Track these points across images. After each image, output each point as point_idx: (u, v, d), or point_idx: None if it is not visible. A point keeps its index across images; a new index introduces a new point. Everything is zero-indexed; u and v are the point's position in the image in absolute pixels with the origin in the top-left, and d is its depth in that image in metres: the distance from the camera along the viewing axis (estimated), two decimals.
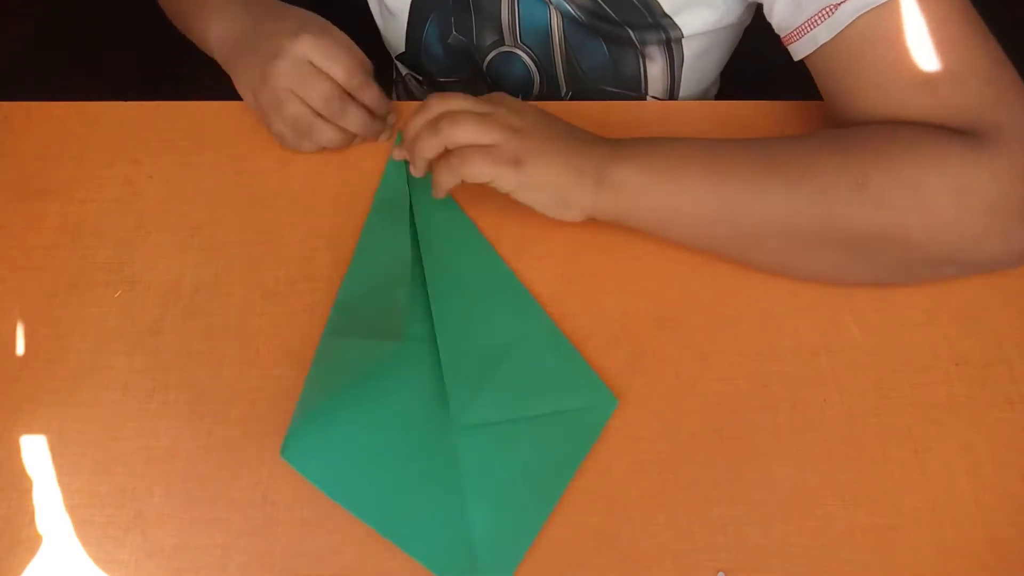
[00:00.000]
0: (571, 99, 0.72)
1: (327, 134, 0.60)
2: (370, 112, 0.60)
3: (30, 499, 0.50)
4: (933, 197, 0.48)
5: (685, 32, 0.66)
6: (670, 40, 0.67)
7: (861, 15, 0.50)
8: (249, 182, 0.62)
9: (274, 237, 0.59)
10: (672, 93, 0.72)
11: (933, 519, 0.49)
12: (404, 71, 0.81)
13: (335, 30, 0.59)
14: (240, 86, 0.61)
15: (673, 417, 0.53)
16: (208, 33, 0.63)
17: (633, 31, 0.66)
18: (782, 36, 0.57)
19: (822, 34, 0.53)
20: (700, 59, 0.69)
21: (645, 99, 0.71)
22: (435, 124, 0.53)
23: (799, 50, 0.56)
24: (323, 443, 0.49)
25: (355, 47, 0.59)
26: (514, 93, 0.62)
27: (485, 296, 0.56)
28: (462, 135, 0.53)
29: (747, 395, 0.53)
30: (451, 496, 0.49)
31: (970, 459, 0.51)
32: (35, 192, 0.61)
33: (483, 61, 0.72)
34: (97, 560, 0.48)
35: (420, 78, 0.78)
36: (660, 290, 0.57)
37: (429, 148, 0.54)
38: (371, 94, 0.59)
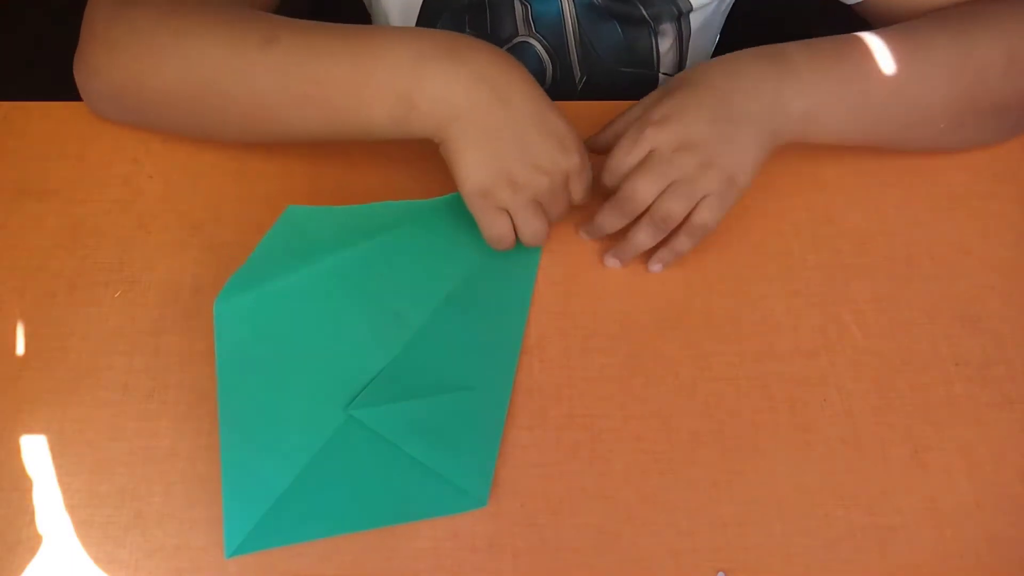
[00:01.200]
0: (585, 83, 0.71)
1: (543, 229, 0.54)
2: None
3: (30, 499, 0.50)
4: None
5: (694, 4, 0.67)
6: (680, 14, 0.67)
7: None
8: (249, 182, 0.62)
9: None
10: (680, 69, 0.72)
11: (933, 519, 0.49)
12: None
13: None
14: (471, 166, 0.51)
15: (673, 417, 0.53)
16: (413, 103, 0.51)
17: (646, 8, 0.67)
18: None
19: None
20: (702, 33, 0.70)
21: (658, 77, 0.71)
22: (629, 211, 0.54)
23: None
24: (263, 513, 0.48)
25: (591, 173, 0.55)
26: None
27: (481, 329, 0.55)
28: (674, 208, 0.53)
29: (747, 395, 0.53)
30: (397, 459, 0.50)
31: (970, 459, 0.51)
32: (35, 192, 0.61)
33: None
34: (97, 560, 0.48)
35: None
36: (660, 290, 0.57)
37: (648, 238, 0.55)
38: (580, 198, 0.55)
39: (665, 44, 0.69)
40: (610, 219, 0.56)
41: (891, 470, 0.51)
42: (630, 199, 0.54)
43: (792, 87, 0.54)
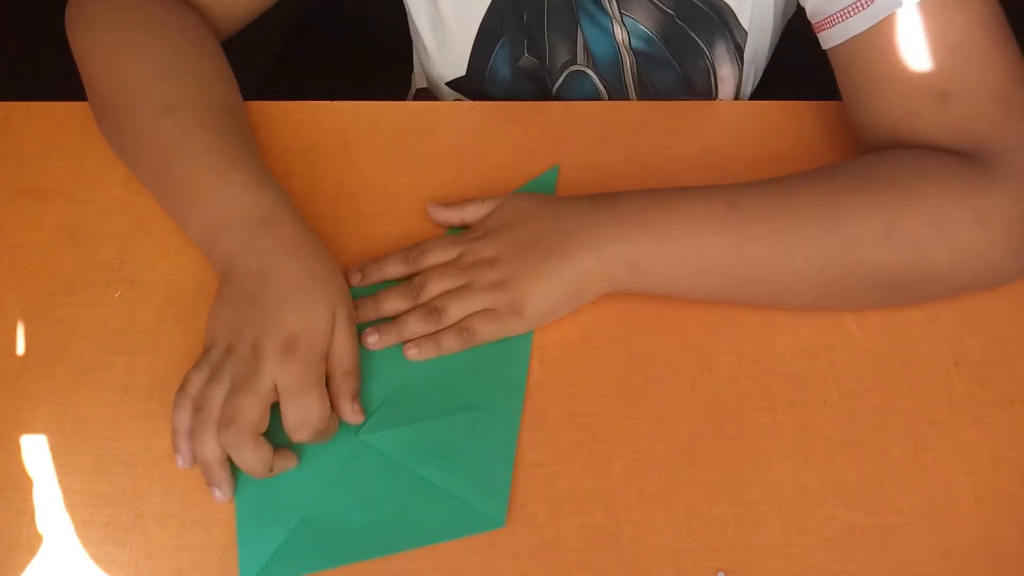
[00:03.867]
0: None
1: (210, 447, 0.48)
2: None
3: (30, 499, 0.50)
4: (959, 231, 0.50)
5: (749, 32, 0.66)
6: (736, 42, 0.67)
7: (895, 12, 0.52)
8: None
9: None
10: (738, 92, 0.72)
11: (933, 519, 0.49)
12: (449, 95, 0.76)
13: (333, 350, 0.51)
14: (208, 321, 0.52)
15: (673, 417, 0.53)
16: (212, 247, 0.54)
17: (702, 41, 0.66)
18: (814, 23, 0.58)
19: (855, 25, 0.54)
20: (755, 58, 0.70)
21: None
22: (411, 296, 0.54)
23: (830, 38, 0.56)
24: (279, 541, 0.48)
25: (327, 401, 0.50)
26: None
27: (486, 348, 0.54)
28: (451, 307, 0.53)
29: (747, 395, 0.53)
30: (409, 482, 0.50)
31: (970, 459, 0.51)
32: (35, 192, 0.61)
33: (554, 83, 0.71)
34: (97, 560, 0.48)
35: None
36: None
37: (418, 326, 0.54)
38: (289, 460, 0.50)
39: (723, 72, 0.69)
40: (392, 301, 0.55)
41: (891, 470, 0.51)
42: (418, 287, 0.55)
43: (611, 234, 0.53)
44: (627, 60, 0.68)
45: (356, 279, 0.56)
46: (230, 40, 0.67)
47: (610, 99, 0.71)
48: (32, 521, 0.49)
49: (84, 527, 0.49)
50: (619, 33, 0.67)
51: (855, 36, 0.54)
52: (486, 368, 0.54)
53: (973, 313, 0.57)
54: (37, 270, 0.57)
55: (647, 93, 0.70)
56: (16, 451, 0.51)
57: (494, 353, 0.54)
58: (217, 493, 0.49)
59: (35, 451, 0.51)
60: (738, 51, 0.67)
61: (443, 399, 0.53)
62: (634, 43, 0.67)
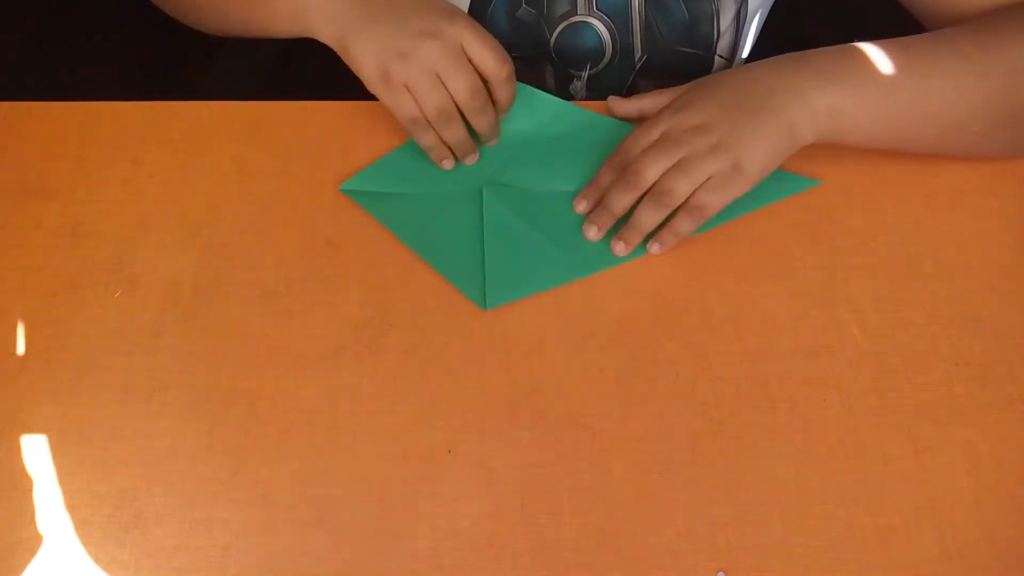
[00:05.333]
0: (644, 62, 0.71)
1: (460, 131, 0.58)
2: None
3: (30, 499, 0.50)
4: None
5: None
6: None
7: None
8: (249, 182, 0.62)
9: (274, 237, 0.59)
10: (735, 50, 0.72)
11: (933, 519, 0.49)
12: None
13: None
14: (363, 54, 0.56)
15: (673, 417, 0.53)
16: (308, 9, 0.58)
17: None
18: None
19: None
20: (758, 11, 0.71)
21: (713, 59, 0.71)
22: (634, 186, 0.56)
23: None
24: (381, 182, 0.60)
25: (498, 43, 0.58)
26: (583, 62, 0.66)
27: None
28: (676, 185, 0.54)
29: (747, 395, 0.53)
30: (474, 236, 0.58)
31: (970, 459, 0.51)
32: (35, 192, 0.61)
33: (551, 34, 0.70)
34: (97, 560, 0.48)
35: None
36: (660, 290, 0.57)
37: (650, 216, 0.56)
38: (508, 92, 0.58)
39: (725, 22, 0.70)
40: (617, 197, 0.56)
41: (891, 470, 0.51)
42: (636, 174, 0.55)
43: (813, 83, 0.55)
44: (636, 5, 0.68)
45: (581, 207, 0.58)
46: (231, 41, 0.67)
47: (613, 47, 0.71)
48: (32, 521, 0.49)
49: (84, 527, 0.49)
50: None
51: None
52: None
53: (973, 313, 0.57)
54: (37, 270, 0.57)
55: (651, 38, 0.70)
56: (16, 451, 0.51)
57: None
58: (470, 159, 0.60)
59: (35, 451, 0.51)
60: (744, 2, 0.69)
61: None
62: None
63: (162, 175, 0.62)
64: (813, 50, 0.58)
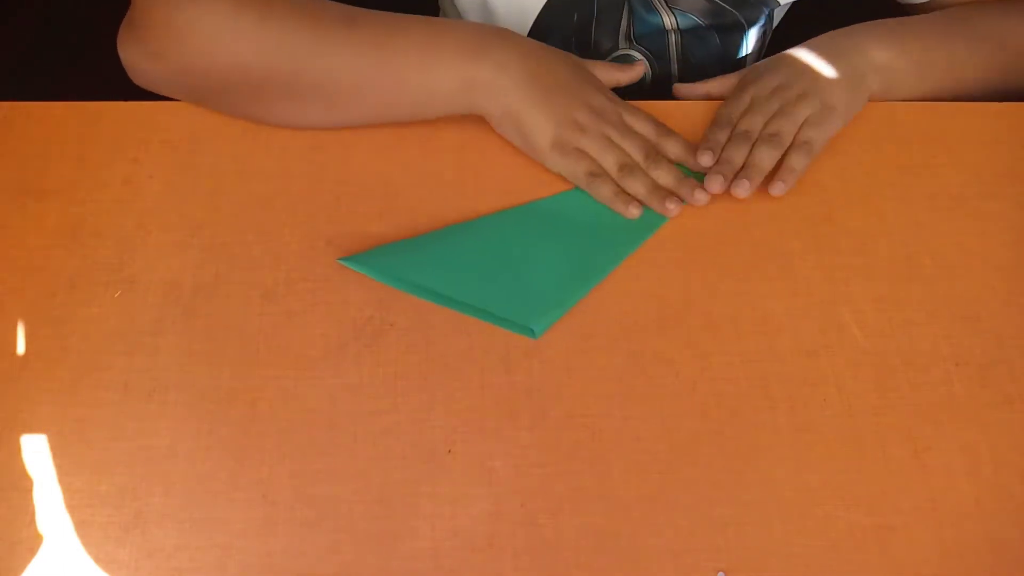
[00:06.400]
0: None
1: (647, 181, 0.60)
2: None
3: (30, 499, 0.50)
4: None
5: (782, 3, 0.75)
6: (771, 13, 0.75)
7: None
8: (249, 182, 0.62)
9: (274, 237, 0.59)
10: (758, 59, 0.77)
11: (933, 519, 0.49)
12: None
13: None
14: (539, 125, 0.60)
15: (673, 417, 0.53)
16: (473, 83, 0.60)
17: (741, 12, 0.74)
18: None
19: None
20: (775, 31, 0.79)
21: None
22: (746, 140, 0.61)
23: None
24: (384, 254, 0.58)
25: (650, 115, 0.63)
26: (625, 92, 0.70)
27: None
28: (782, 126, 0.61)
29: (747, 395, 0.53)
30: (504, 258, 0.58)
31: (970, 459, 0.51)
32: (35, 192, 0.61)
33: None
34: (97, 560, 0.48)
35: None
36: (660, 290, 0.57)
37: (767, 154, 0.60)
38: (676, 144, 0.62)
39: (751, 45, 0.77)
40: (734, 150, 0.61)
41: (891, 470, 0.51)
42: (745, 132, 0.61)
43: (870, 44, 0.64)
44: (673, 39, 0.75)
45: (706, 159, 0.61)
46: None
47: (653, 75, 0.77)
48: (32, 521, 0.49)
49: (84, 527, 0.49)
50: (668, 21, 0.74)
51: None
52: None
53: (973, 313, 0.57)
54: (37, 270, 0.57)
55: (687, 66, 0.77)
56: (16, 451, 0.51)
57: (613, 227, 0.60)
58: (671, 205, 0.59)
59: (35, 451, 0.51)
60: (769, 21, 0.75)
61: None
62: (681, 24, 0.74)
63: (162, 175, 0.62)
64: (858, 24, 0.66)
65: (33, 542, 0.48)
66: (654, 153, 0.61)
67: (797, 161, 0.60)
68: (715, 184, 0.60)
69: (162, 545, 0.48)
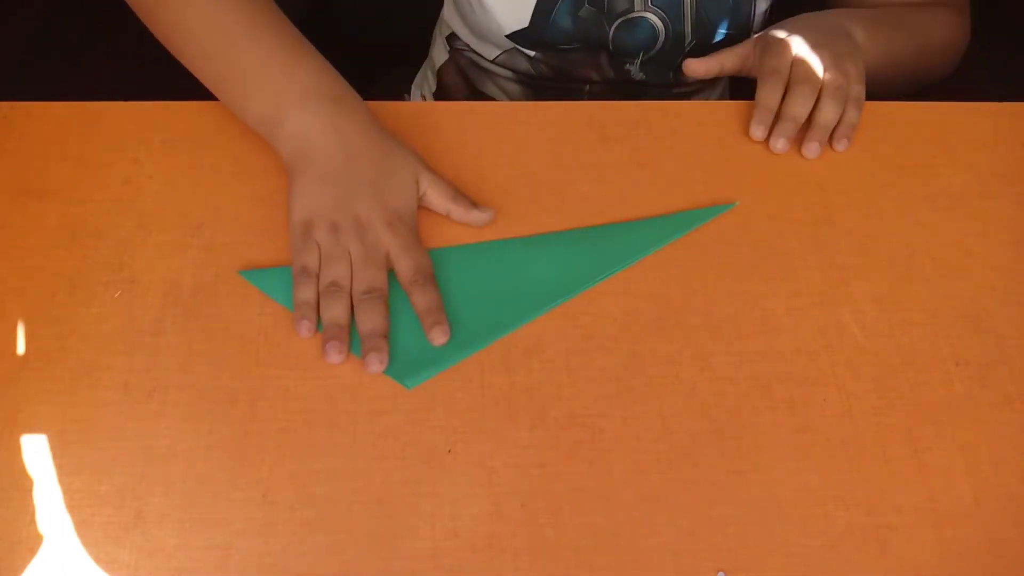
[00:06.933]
0: (693, 46, 0.78)
1: (342, 313, 0.55)
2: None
3: (30, 499, 0.50)
4: (960, 33, 0.78)
5: None
6: None
7: None
8: (249, 182, 0.62)
9: (274, 237, 0.59)
10: (767, 25, 0.78)
11: (933, 519, 0.49)
12: (471, 47, 0.83)
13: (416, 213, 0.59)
14: (299, 201, 0.57)
15: (673, 417, 0.53)
16: (283, 121, 0.58)
17: None
18: None
19: None
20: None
21: (750, 36, 0.77)
22: (810, 90, 0.63)
23: None
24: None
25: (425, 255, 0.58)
26: (637, 51, 0.77)
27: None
28: (839, 77, 0.63)
29: (747, 395, 0.53)
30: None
31: (970, 459, 0.51)
32: (35, 192, 0.61)
33: (610, 28, 0.76)
34: (97, 560, 0.48)
35: (532, 53, 0.80)
36: (660, 290, 0.57)
37: (831, 110, 0.63)
38: (425, 297, 0.55)
39: (762, 5, 0.78)
40: (799, 103, 0.62)
41: (891, 470, 0.51)
42: (807, 80, 0.63)
43: (848, 21, 0.69)
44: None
45: (759, 131, 0.63)
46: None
47: (665, 35, 0.77)
48: (32, 521, 0.49)
49: (84, 527, 0.49)
50: None
51: None
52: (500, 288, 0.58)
53: (973, 313, 0.57)
54: (37, 270, 0.57)
55: (701, 25, 0.77)
56: (16, 451, 0.51)
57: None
58: (334, 355, 0.53)
59: (35, 451, 0.51)
60: None
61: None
62: None
63: (162, 175, 0.62)
64: (829, 11, 0.72)
65: (33, 542, 0.48)
66: (375, 294, 0.55)
67: (854, 115, 0.63)
68: (780, 145, 0.62)
69: (162, 545, 0.48)
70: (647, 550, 0.49)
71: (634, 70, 0.80)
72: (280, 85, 0.59)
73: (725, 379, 0.54)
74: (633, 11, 0.75)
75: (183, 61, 0.62)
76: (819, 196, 0.62)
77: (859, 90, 0.64)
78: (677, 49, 0.78)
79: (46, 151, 0.63)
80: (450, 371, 0.54)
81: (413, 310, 0.56)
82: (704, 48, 0.78)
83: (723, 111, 0.67)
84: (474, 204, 0.59)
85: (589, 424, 0.52)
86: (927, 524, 0.49)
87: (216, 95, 0.62)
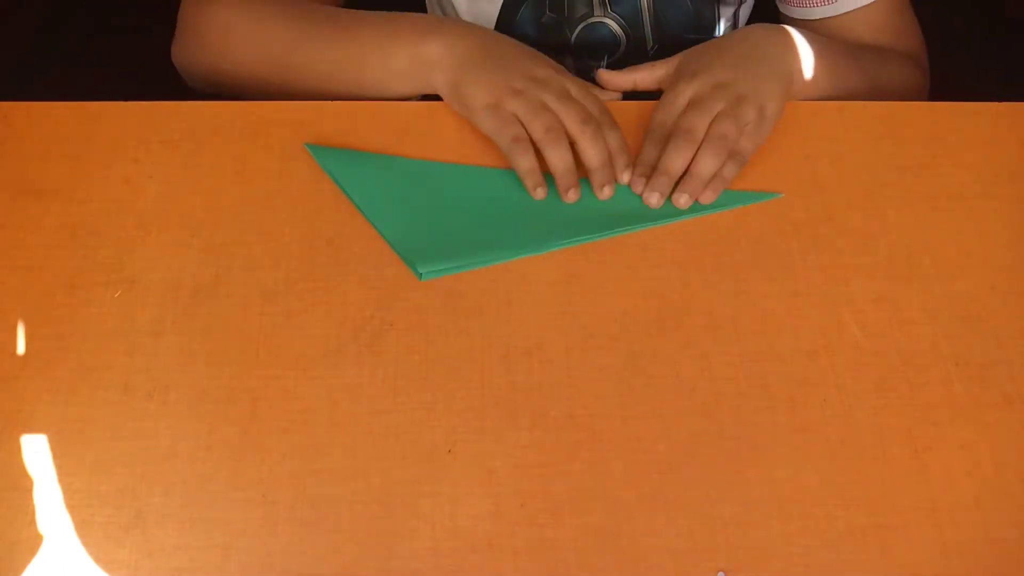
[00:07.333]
0: (656, 51, 0.78)
1: (568, 156, 0.59)
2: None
3: (30, 499, 0.50)
4: (917, 83, 0.77)
5: None
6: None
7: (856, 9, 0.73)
8: (249, 182, 0.62)
9: (274, 237, 0.59)
10: (734, 29, 0.80)
11: (933, 519, 0.49)
12: None
13: None
14: (477, 89, 0.61)
15: (673, 417, 0.53)
16: (426, 46, 0.63)
17: None
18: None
19: (817, 12, 0.73)
20: (750, 4, 0.81)
21: None
22: (691, 142, 0.60)
23: (795, 13, 0.75)
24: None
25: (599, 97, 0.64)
26: (600, 55, 0.77)
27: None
28: (728, 128, 0.60)
29: (747, 395, 0.53)
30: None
31: (970, 459, 0.51)
32: (35, 192, 0.61)
33: (571, 33, 0.78)
34: (97, 560, 0.48)
35: None
36: (660, 290, 0.57)
37: (710, 162, 0.60)
38: (616, 135, 0.61)
39: (726, 12, 0.78)
40: (674, 157, 0.60)
41: (891, 470, 0.51)
42: (688, 131, 0.60)
43: (793, 45, 0.65)
44: (645, 4, 0.76)
45: (639, 186, 0.61)
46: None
47: (627, 40, 0.78)
48: (32, 521, 0.49)
49: (84, 527, 0.49)
50: None
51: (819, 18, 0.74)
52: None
53: (973, 313, 0.57)
54: (37, 270, 0.57)
55: (661, 30, 0.77)
56: (16, 451, 0.51)
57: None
58: (573, 195, 0.59)
59: (35, 451, 0.51)
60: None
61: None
62: None
63: (162, 175, 0.62)
64: (776, 25, 0.68)
65: (33, 542, 0.48)
66: (592, 122, 0.60)
67: (731, 171, 0.60)
68: (653, 200, 0.60)
69: (162, 545, 0.48)
70: (647, 550, 0.49)
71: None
72: (406, 35, 0.64)
73: (725, 379, 0.54)
74: (592, 16, 0.76)
75: (326, 92, 0.66)
76: (819, 196, 0.62)
77: (746, 146, 0.61)
78: (640, 54, 0.78)
79: (46, 151, 0.63)
80: (450, 371, 0.54)
81: (443, 196, 0.60)
82: (668, 52, 0.76)
83: None
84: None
85: (589, 424, 0.52)
86: (927, 524, 0.49)
87: (362, 93, 0.66)
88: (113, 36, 1.21)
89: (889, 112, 0.66)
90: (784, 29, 0.67)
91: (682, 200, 0.60)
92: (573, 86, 0.62)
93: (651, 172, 0.61)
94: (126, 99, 0.66)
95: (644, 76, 0.67)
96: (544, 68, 0.63)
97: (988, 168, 0.64)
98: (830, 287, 0.58)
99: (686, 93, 0.62)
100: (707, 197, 0.60)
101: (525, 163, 0.59)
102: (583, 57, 0.79)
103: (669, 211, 0.60)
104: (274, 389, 0.53)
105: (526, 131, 0.60)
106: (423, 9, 0.89)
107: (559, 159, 0.59)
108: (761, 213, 0.61)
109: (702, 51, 0.66)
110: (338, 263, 0.58)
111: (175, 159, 0.63)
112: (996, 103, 0.67)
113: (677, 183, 0.60)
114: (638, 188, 0.61)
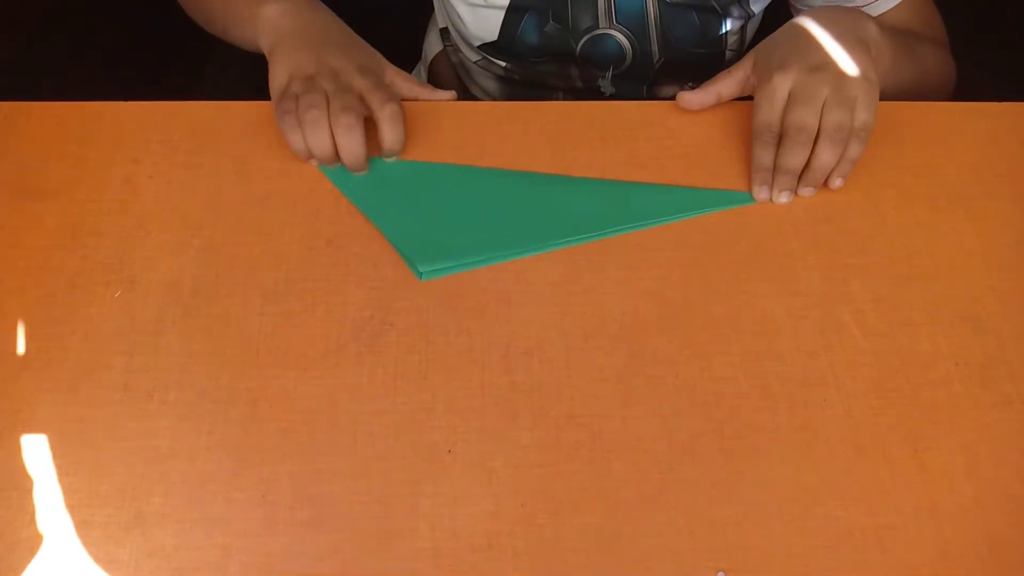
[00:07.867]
0: (662, 64, 0.78)
1: (323, 136, 0.59)
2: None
3: (30, 499, 0.50)
4: (952, 71, 0.75)
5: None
6: (745, 3, 0.76)
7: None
8: (249, 182, 0.62)
9: (274, 237, 0.59)
10: (742, 42, 0.79)
11: (933, 519, 0.49)
12: (476, 57, 0.83)
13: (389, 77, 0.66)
14: (279, 68, 0.62)
15: (673, 417, 0.53)
16: (264, 10, 0.65)
17: (718, 1, 0.75)
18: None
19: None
20: (758, 18, 0.80)
21: (724, 54, 0.78)
22: (806, 139, 0.59)
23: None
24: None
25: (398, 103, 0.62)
26: (606, 67, 0.76)
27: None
28: (841, 117, 0.58)
29: (747, 395, 0.53)
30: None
31: (970, 459, 0.51)
32: (35, 192, 0.61)
33: (576, 44, 0.77)
34: (97, 560, 0.48)
35: (504, 63, 0.81)
36: (660, 290, 0.57)
37: (830, 155, 0.59)
38: (390, 130, 0.61)
39: (732, 27, 0.77)
40: (792, 156, 0.60)
41: (891, 470, 0.51)
42: (801, 129, 0.59)
43: (860, 15, 0.64)
44: (652, 12, 0.75)
45: (763, 194, 0.61)
46: (230, 43, 0.67)
47: (633, 53, 0.77)
48: (32, 521, 0.49)
49: (84, 527, 0.49)
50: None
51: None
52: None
53: (973, 313, 0.57)
54: (37, 270, 0.57)
55: (667, 44, 0.76)
56: (16, 451, 0.51)
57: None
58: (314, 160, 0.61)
59: (35, 451, 0.51)
60: (745, 9, 0.76)
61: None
62: (661, 4, 0.74)
63: (162, 175, 0.62)
64: (842, 5, 0.66)
65: (33, 542, 0.48)
66: (352, 112, 0.59)
67: (855, 150, 0.60)
68: (783, 199, 0.61)
69: (162, 545, 0.48)
70: (647, 550, 0.49)
71: (604, 84, 0.80)
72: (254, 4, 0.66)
73: (725, 379, 0.54)
74: (598, 28, 0.76)
75: (211, 28, 0.71)
76: (819, 196, 0.62)
77: (864, 118, 0.59)
78: (647, 66, 0.78)
79: (46, 151, 0.63)
80: (450, 371, 0.54)
81: (443, 197, 0.61)
82: (674, 66, 0.77)
83: (723, 111, 0.67)
84: (435, 88, 0.66)
85: (589, 424, 0.52)
86: (927, 524, 0.49)
87: (222, 35, 0.70)
88: (113, 36, 1.21)
89: (889, 112, 0.66)
90: (845, 7, 0.65)
91: (806, 192, 0.61)
92: (363, 80, 0.62)
93: (770, 177, 0.61)
94: (126, 99, 0.66)
95: (726, 84, 0.64)
96: (341, 60, 0.62)
97: (988, 168, 0.64)
98: (830, 287, 0.58)
99: (784, 86, 0.60)
100: (838, 183, 0.60)
101: (290, 139, 0.60)
102: (588, 67, 0.79)
103: (668, 211, 0.60)
104: (274, 389, 0.53)
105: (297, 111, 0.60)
106: (431, 10, 0.90)
107: (315, 143, 0.60)
108: (761, 213, 0.61)
109: (776, 42, 0.63)
110: (338, 263, 0.58)
111: (175, 159, 0.63)
112: (996, 103, 0.67)
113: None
114: (762, 196, 0.61)
